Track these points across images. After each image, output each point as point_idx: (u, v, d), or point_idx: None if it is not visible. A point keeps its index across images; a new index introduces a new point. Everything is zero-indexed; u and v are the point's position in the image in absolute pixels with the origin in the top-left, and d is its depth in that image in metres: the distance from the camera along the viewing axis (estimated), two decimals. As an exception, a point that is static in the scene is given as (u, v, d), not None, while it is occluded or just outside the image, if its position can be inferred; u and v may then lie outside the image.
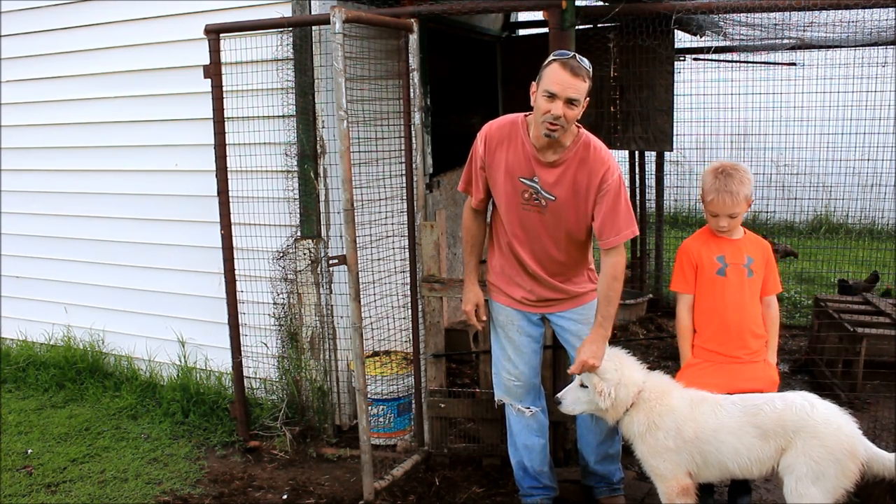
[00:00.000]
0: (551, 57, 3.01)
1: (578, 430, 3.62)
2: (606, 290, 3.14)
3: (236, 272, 4.42)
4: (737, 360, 3.24)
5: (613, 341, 3.27)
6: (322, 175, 4.34)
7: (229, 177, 4.32)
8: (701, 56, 6.23)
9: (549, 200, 3.16)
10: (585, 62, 2.99)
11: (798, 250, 7.82)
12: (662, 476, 3.08)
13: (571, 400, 3.20)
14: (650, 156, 6.62)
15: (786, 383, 4.99)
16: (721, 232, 3.29)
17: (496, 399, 3.60)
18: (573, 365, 3.17)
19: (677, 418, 3.02)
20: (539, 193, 3.16)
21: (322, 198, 4.36)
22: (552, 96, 2.94)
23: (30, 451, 4.43)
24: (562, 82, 2.92)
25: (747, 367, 3.23)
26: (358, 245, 3.62)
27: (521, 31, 6.99)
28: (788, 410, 2.90)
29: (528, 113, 3.19)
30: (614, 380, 3.09)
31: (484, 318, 3.48)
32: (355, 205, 3.60)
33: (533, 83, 3.06)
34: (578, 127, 3.15)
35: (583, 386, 3.17)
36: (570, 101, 2.95)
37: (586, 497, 3.74)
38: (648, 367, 3.24)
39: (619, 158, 7.00)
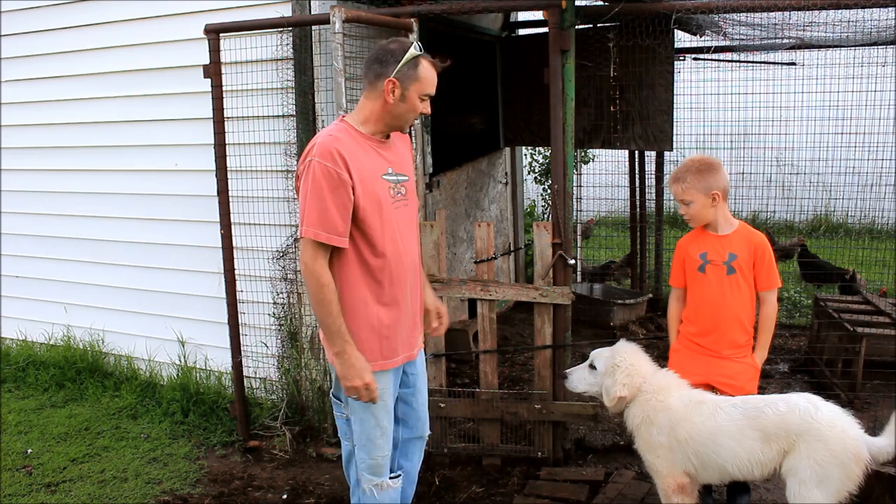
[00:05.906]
0: (417, 53, 2.79)
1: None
2: None
3: (236, 272, 4.43)
4: (714, 354, 3.27)
5: (613, 340, 3.27)
6: (322, 175, 4.33)
7: (229, 176, 4.32)
8: (701, 56, 6.23)
9: (404, 182, 2.94)
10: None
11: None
12: (658, 472, 3.09)
13: (577, 378, 3.26)
14: (650, 156, 6.62)
15: (785, 383, 4.98)
16: (689, 221, 3.33)
17: (366, 484, 2.98)
18: None
19: (671, 417, 3.03)
20: (398, 183, 2.92)
21: (322, 197, 4.35)
22: (427, 97, 2.85)
23: (29, 450, 4.44)
24: (434, 84, 2.86)
25: (724, 363, 3.26)
26: (358, 245, 3.61)
27: (521, 31, 6.98)
28: (792, 413, 2.88)
29: (341, 119, 2.87)
30: (622, 379, 3.12)
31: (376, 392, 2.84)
32: (355, 204, 3.59)
33: (389, 79, 2.74)
34: None
35: (592, 368, 3.21)
36: None
37: (586, 497, 3.75)
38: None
39: (618, 158, 7.12)
